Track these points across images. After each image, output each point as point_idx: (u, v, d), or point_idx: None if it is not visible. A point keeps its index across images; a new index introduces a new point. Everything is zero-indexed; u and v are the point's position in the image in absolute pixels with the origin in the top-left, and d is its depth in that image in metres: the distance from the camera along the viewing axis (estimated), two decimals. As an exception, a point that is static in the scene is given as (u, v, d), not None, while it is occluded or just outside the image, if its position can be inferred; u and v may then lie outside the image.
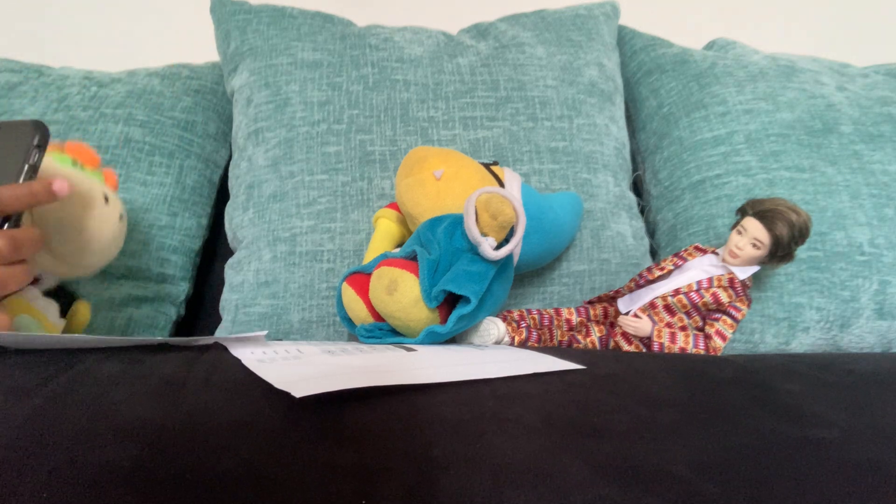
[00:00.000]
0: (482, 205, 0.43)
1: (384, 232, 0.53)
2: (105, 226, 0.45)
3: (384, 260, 0.46)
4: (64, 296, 0.52)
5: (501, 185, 0.51)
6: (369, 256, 0.52)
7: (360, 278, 0.48)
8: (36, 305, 0.47)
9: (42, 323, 0.46)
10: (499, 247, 0.44)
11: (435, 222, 0.46)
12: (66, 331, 0.50)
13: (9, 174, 0.36)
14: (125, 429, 0.21)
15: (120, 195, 0.51)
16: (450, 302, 0.44)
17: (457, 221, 0.45)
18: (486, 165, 0.53)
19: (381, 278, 0.44)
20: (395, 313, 0.43)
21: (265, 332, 0.42)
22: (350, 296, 0.47)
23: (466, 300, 0.42)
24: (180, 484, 0.18)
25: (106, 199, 0.45)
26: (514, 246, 0.44)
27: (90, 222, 0.44)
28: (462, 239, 0.44)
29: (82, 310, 0.52)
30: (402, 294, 0.42)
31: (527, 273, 0.60)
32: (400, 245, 0.53)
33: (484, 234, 0.43)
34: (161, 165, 0.64)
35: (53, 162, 0.44)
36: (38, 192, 0.37)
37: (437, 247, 0.44)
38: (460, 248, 0.44)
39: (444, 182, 0.48)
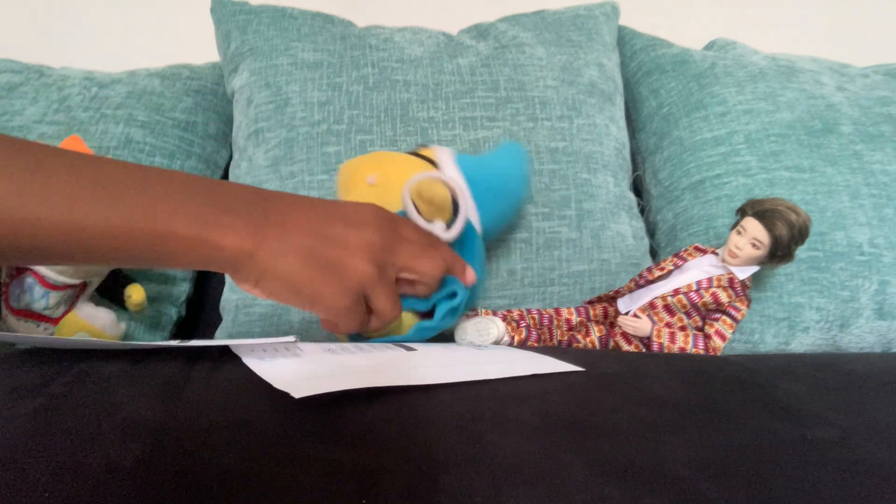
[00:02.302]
0: (415, 194, 0.43)
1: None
2: None
3: None
4: (115, 285, 0.52)
5: (435, 165, 0.50)
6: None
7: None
8: (91, 321, 0.47)
9: (102, 338, 0.46)
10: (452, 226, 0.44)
11: None
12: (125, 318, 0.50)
13: None
14: (127, 428, 0.22)
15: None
16: None
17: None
18: (414, 152, 0.51)
19: None
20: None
21: (294, 338, 0.35)
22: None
23: (452, 294, 0.42)
24: (182, 483, 0.19)
25: None
26: (464, 219, 0.43)
27: None
28: None
29: (135, 293, 0.51)
30: None
31: (527, 273, 0.60)
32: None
33: (429, 220, 0.43)
34: (161, 166, 0.64)
35: None
36: None
37: None
38: None
39: (380, 186, 0.47)
